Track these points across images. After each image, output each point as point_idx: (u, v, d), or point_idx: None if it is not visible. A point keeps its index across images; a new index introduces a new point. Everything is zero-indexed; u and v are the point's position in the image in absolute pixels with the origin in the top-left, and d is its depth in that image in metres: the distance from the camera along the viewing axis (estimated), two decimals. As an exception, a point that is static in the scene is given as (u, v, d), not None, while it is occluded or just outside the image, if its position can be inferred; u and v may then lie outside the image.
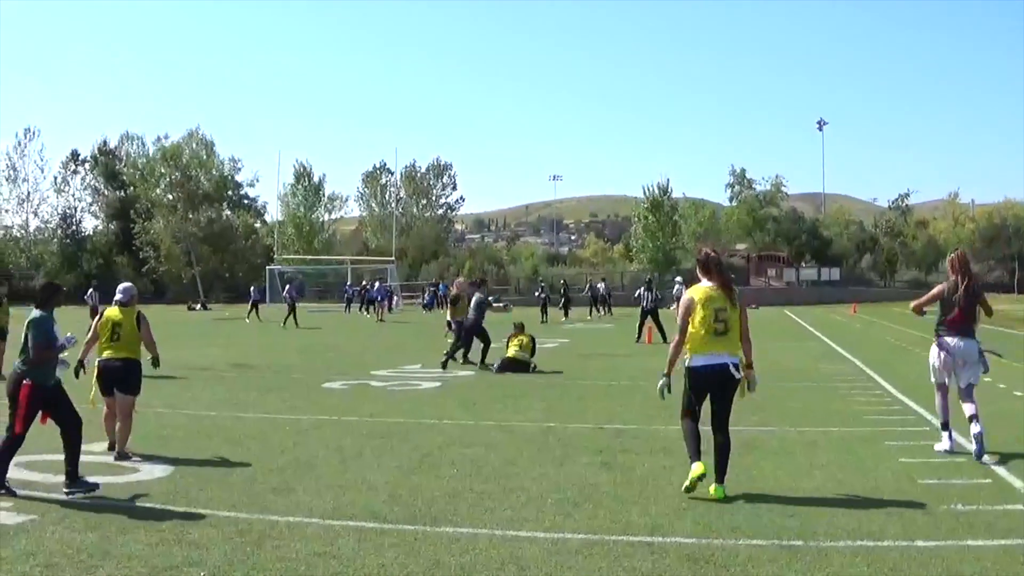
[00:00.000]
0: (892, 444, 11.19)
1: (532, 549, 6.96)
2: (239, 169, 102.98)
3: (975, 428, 10.17)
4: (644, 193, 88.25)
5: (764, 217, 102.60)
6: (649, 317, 30.25)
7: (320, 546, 7.04)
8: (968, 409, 10.41)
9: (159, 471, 9.89)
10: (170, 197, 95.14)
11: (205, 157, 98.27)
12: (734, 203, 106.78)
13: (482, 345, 21.35)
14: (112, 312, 11.00)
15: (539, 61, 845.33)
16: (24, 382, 8.80)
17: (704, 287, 8.80)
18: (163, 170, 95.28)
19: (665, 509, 8.13)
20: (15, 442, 8.89)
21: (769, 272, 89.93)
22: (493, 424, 13.14)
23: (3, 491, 8.65)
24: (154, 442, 11.48)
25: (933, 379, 11.03)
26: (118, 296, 11.17)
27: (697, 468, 8.48)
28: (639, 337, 29.89)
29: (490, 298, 23.40)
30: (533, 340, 20.92)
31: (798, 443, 11.41)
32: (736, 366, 8.65)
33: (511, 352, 20.16)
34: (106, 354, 10.87)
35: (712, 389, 8.74)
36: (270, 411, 14.59)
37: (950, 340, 10.69)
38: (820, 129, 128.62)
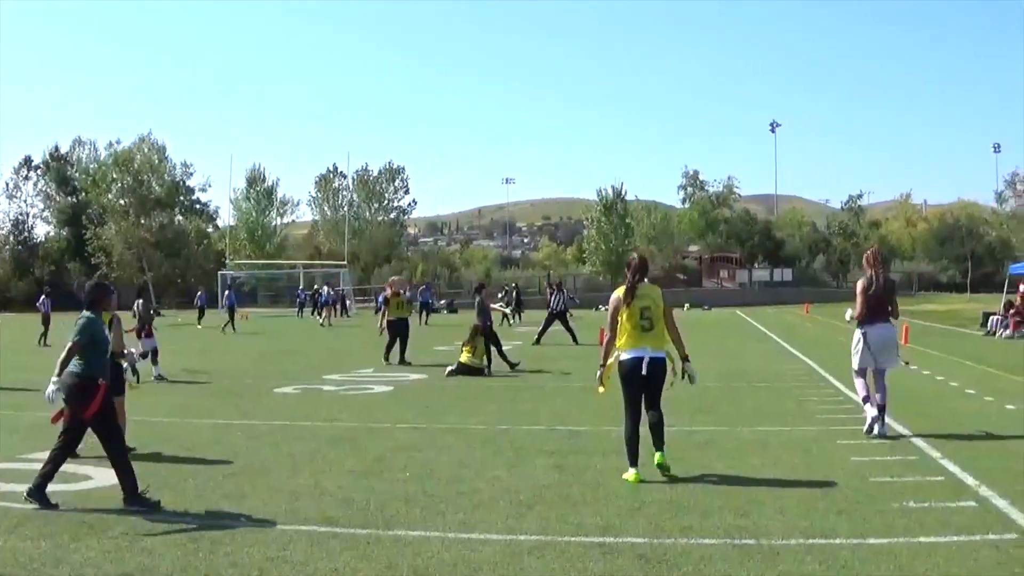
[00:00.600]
0: (844, 443, 11.30)
1: (485, 551, 7.00)
2: (191, 174, 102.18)
3: (877, 404, 11.69)
4: (599, 196, 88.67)
5: (717, 219, 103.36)
6: (557, 320, 30.94)
7: (273, 551, 7.03)
8: (879, 393, 11.82)
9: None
10: (122, 203, 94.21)
11: (157, 162, 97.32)
12: (687, 205, 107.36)
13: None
14: None
15: (492, 63, 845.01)
16: (100, 381, 8.73)
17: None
18: (115, 175, 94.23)
19: (617, 509, 8.17)
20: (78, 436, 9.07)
21: (722, 273, 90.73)
22: (446, 427, 13.16)
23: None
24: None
25: (855, 365, 12.19)
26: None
27: (632, 474, 9.24)
28: (539, 339, 29.97)
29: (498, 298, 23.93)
30: (493, 342, 21.00)
31: (751, 443, 11.50)
32: (662, 359, 9.41)
33: (463, 358, 20.19)
34: None
35: (641, 380, 9.32)
36: (222, 417, 14.57)
37: (870, 328, 11.91)
38: (772, 131, 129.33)
